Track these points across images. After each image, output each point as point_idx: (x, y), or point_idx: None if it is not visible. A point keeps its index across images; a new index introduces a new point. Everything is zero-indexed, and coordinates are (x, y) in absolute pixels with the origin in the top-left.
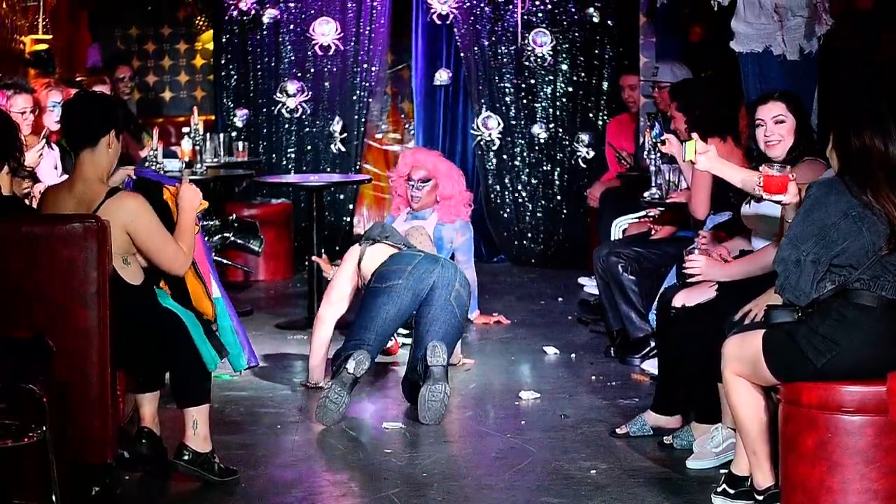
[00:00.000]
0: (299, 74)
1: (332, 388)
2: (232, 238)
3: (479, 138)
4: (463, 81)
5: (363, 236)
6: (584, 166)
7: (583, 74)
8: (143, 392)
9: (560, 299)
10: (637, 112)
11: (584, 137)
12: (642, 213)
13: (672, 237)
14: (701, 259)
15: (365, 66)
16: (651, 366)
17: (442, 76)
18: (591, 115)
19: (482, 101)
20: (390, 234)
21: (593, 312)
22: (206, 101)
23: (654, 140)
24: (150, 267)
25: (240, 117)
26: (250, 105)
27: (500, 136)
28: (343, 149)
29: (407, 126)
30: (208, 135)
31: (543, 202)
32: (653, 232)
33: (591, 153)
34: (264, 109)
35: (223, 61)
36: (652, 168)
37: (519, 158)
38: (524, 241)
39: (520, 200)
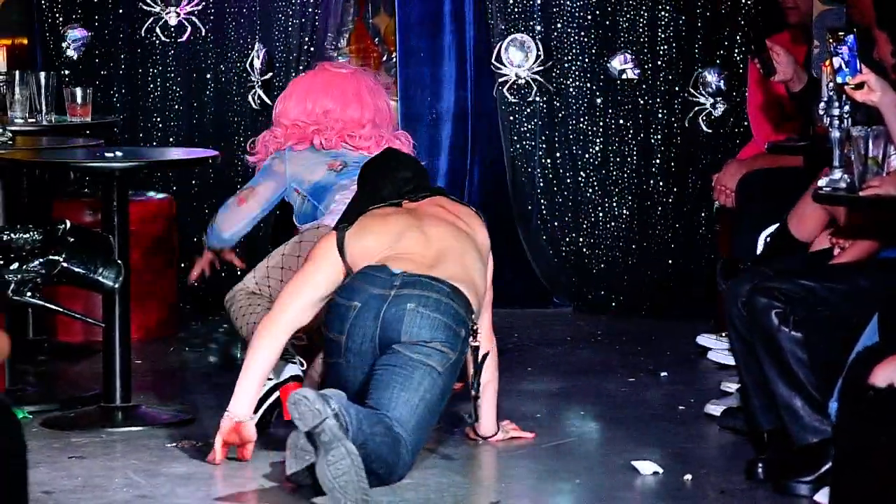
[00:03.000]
0: None
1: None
2: (65, 265)
3: (502, 80)
4: None
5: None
6: (707, 132)
7: None
8: None
9: (664, 374)
10: (806, 27)
11: (710, 78)
12: None
13: (871, 260)
14: None
15: None
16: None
17: None
18: (720, 38)
19: (511, 14)
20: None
21: (726, 397)
22: (11, 12)
23: (839, 79)
24: None
25: (74, 42)
26: (93, 21)
27: (538, 75)
28: (268, 100)
29: (385, 58)
30: (17, 74)
31: (631, 199)
32: (836, 251)
33: (721, 108)
34: (122, 28)
35: None
36: (834, 133)
37: (584, 118)
38: (596, 271)
39: (587, 195)
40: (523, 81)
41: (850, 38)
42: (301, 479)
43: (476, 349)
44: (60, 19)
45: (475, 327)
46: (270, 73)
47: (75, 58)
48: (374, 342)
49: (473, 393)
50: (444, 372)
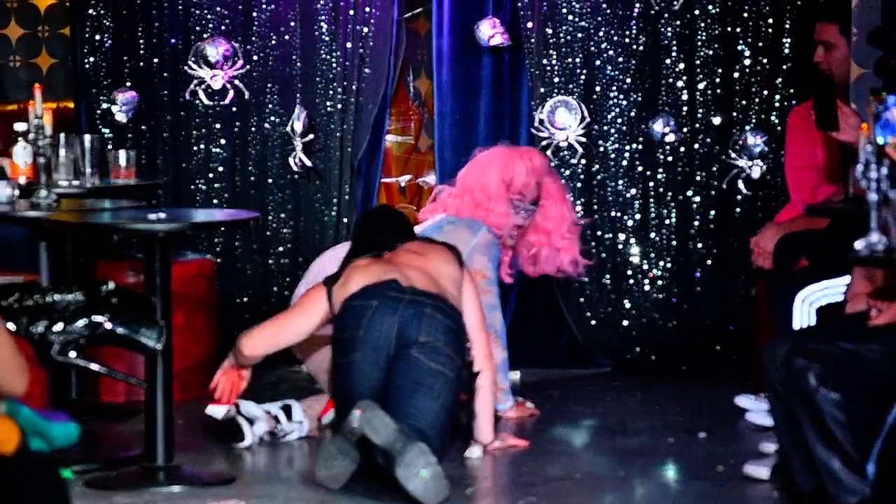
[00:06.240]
0: (230, 29)
1: (335, 439)
2: (108, 326)
3: (545, 143)
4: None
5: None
6: (746, 194)
7: (741, 30)
8: None
9: (702, 434)
10: (843, 87)
11: (750, 141)
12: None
13: None
14: None
15: (352, 13)
16: None
17: (486, 32)
18: (760, 101)
19: (551, 78)
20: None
21: (765, 458)
22: (57, 76)
23: (879, 140)
24: None
25: (122, 105)
26: (137, 84)
27: (582, 139)
28: (309, 162)
29: (425, 119)
30: (63, 137)
31: (669, 260)
32: (873, 314)
33: (760, 169)
34: (166, 91)
35: (90, 4)
36: (872, 195)
37: (623, 180)
38: (635, 332)
39: (626, 257)
40: (565, 144)
41: (893, 98)
42: (330, 483)
43: (470, 365)
44: (105, 83)
45: (468, 345)
46: (311, 136)
47: (124, 121)
48: (389, 339)
49: (465, 418)
50: (456, 379)
